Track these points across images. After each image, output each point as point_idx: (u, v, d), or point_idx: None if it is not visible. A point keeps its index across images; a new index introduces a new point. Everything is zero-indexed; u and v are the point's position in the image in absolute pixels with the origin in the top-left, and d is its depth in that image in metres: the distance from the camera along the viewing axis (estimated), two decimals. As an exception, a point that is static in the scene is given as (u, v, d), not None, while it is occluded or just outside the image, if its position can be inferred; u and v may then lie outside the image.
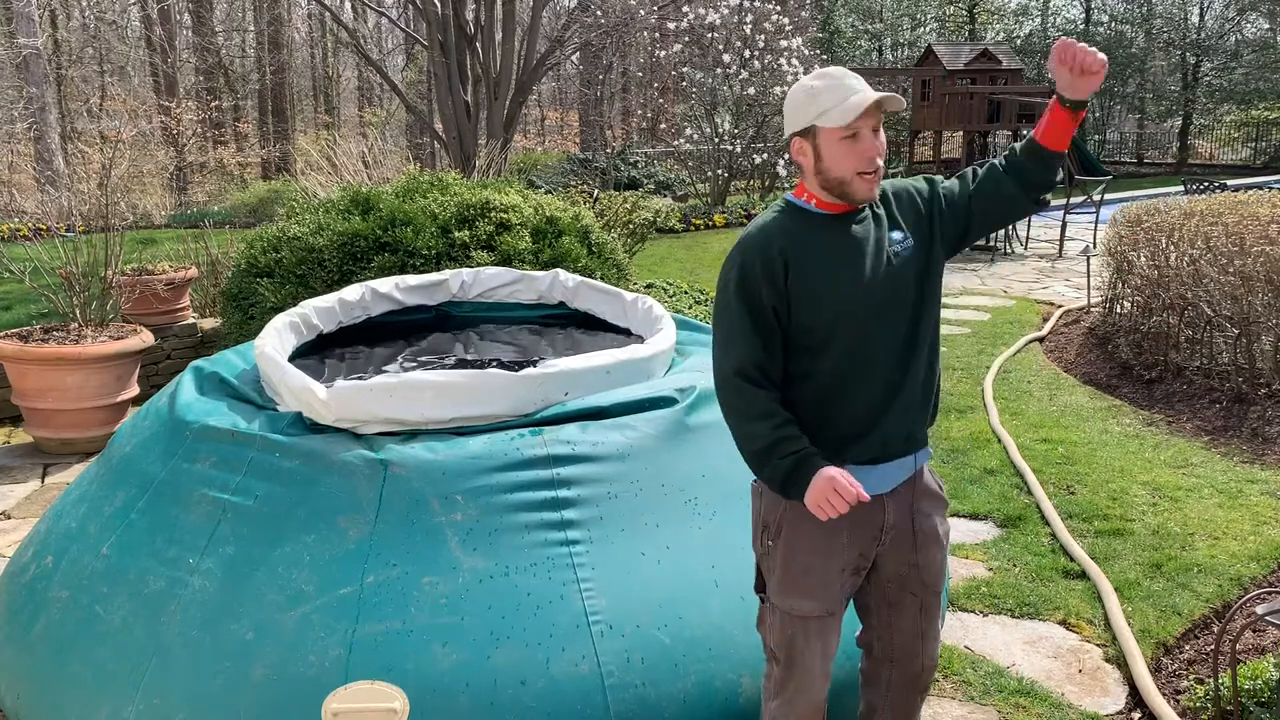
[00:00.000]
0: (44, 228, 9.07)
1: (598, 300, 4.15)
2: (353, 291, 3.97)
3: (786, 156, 16.52)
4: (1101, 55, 2.01)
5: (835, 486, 2.02)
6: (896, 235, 2.20)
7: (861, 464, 2.20)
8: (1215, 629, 3.41)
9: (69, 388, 5.42)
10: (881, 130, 2.14)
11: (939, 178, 2.32)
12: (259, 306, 5.18)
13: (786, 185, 17.57)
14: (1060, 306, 8.79)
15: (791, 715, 2.29)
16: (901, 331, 2.19)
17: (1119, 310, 7.12)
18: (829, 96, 2.09)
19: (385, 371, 3.71)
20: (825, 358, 2.16)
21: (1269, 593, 3.07)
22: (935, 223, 2.24)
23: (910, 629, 2.35)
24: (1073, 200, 13.41)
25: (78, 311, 5.80)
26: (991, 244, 12.40)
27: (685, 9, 16.42)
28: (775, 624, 2.27)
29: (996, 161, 2.23)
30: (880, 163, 2.12)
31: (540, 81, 16.63)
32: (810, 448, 2.11)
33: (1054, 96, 2.11)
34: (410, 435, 2.79)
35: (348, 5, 26.81)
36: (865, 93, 2.08)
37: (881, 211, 2.22)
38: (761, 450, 2.12)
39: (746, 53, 16.46)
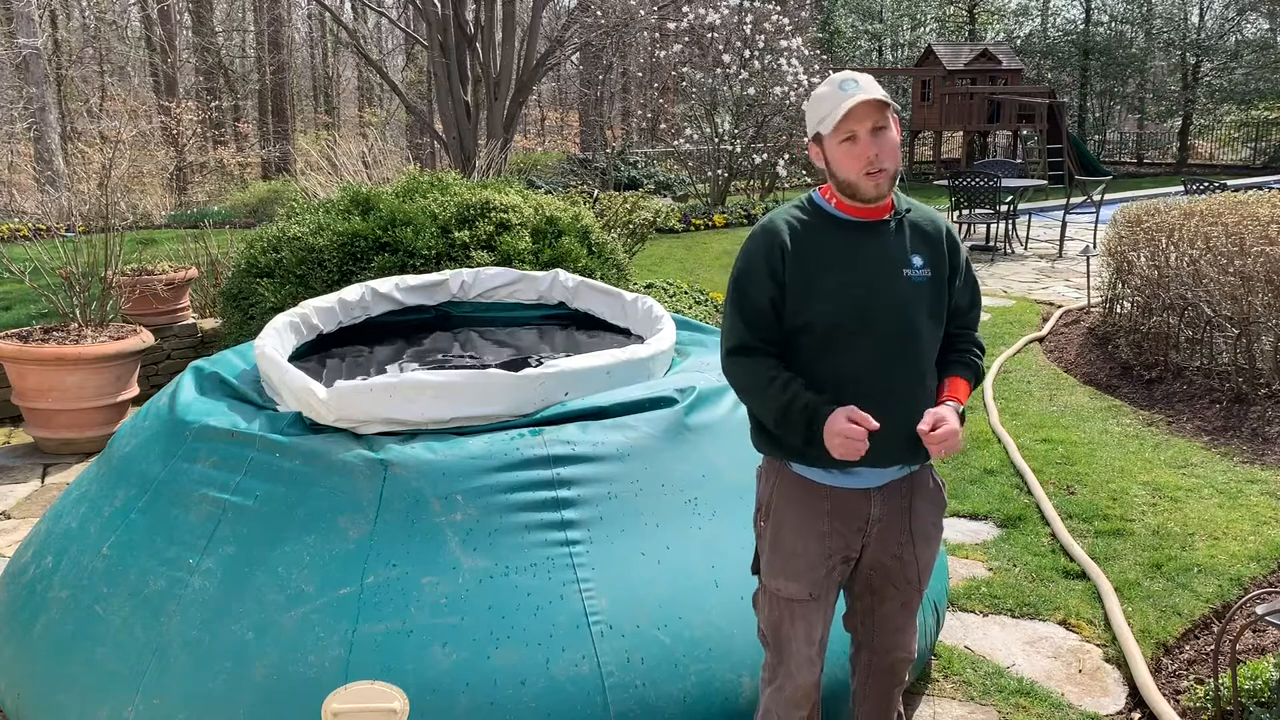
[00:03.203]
0: (44, 228, 9.07)
1: (598, 300, 4.15)
2: (353, 291, 3.97)
3: (786, 157, 16.55)
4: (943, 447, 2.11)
5: (846, 435, 2.05)
6: (917, 260, 2.20)
7: (844, 470, 2.21)
8: (1215, 629, 3.41)
9: (69, 388, 5.42)
10: (892, 128, 2.13)
11: (964, 258, 2.31)
12: (259, 306, 5.18)
13: (787, 185, 17.57)
14: (1060, 306, 8.79)
15: (781, 700, 2.32)
16: (896, 354, 2.17)
17: (1119, 310, 7.11)
18: (825, 104, 2.14)
19: (386, 372, 3.72)
20: (806, 360, 2.18)
21: (1269, 593, 3.07)
22: (948, 275, 2.25)
23: (891, 621, 2.38)
24: (1073, 200, 13.42)
25: (78, 311, 5.80)
26: (991, 244, 12.40)
27: (685, 9, 16.41)
28: (765, 604, 2.33)
29: (953, 356, 2.29)
30: (885, 163, 2.12)
31: (540, 81, 16.62)
32: (813, 400, 2.11)
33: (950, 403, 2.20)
34: (410, 435, 2.79)
35: (348, 5, 26.82)
36: (851, 98, 2.09)
37: (909, 234, 2.22)
38: (777, 421, 2.17)
39: (746, 53, 16.46)
